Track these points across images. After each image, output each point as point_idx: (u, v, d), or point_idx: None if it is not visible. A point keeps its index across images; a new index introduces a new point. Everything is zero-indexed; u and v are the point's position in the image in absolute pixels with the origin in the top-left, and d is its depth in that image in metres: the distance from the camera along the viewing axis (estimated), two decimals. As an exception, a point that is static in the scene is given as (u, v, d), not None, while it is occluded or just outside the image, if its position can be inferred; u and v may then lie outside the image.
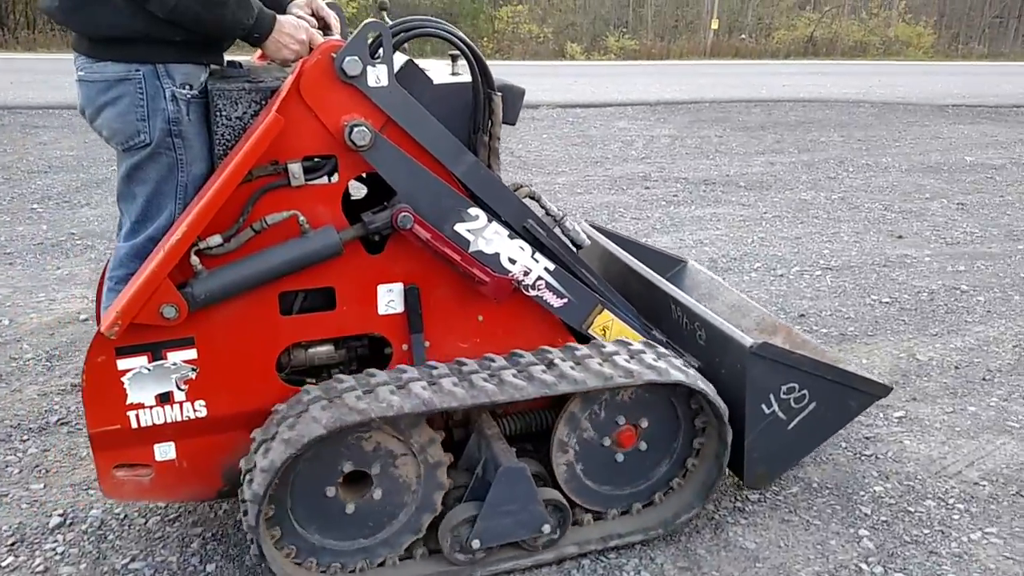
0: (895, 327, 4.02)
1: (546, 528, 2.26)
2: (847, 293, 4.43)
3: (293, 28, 2.12)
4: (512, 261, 2.24)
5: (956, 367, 3.61)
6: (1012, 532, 2.52)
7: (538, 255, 2.27)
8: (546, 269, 2.28)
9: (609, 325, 2.41)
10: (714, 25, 26.40)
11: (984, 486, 2.75)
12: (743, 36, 28.72)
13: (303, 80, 1.97)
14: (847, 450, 2.95)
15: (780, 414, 2.45)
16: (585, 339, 2.40)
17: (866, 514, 2.60)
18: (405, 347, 2.26)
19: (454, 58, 2.30)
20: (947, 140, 8.39)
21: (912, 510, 2.62)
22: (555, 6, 26.32)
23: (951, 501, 2.67)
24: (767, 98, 10.84)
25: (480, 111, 2.19)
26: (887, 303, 4.30)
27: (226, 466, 2.19)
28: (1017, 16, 33.96)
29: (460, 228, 2.18)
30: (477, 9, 26.54)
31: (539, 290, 2.30)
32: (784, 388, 2.41)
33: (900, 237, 5.41)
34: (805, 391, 2.45)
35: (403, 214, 2.06)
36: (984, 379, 3.50)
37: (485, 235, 2.20)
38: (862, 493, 2.71)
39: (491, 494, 2.17)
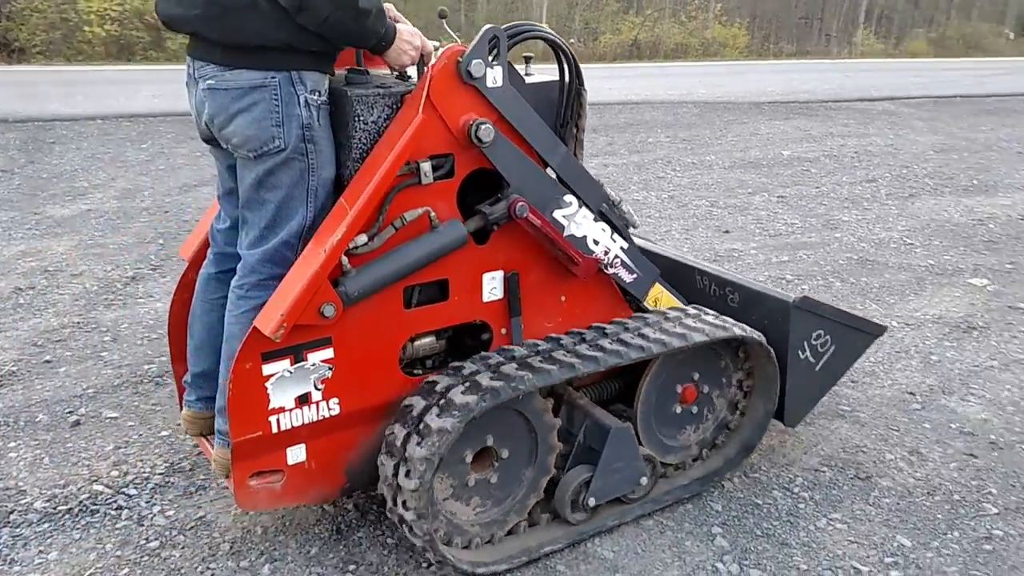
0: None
1: (644, 480, 2.52)
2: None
3: (410, 35, 2.22)
4: (596, 242, 2.49)
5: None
6: (854, 516, 2.60)
7: (615, 235, 2.53)
8: (621, 248, 2.56)
9: (659, 297, 2.72)
10: (544, 30, 26.88)
11: (825, 472, 2.83)
12: (572, 41, 29.47)
13: (433, 83, 2.11)
14: (695, 447, 2.97)
15: (811, 358, 2.81)
16: (641, 311, 2.69)
17: (717, 511, 2.62)
18: (504, 331, 2.44)
19: (527, 59, 2.48)
20: (765, 136, 8.84)
21: (760, 503, 2.66)
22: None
23: (796, 490, 2.72)
24: (598, 101, 11.08)
25: (571, 105, 2.44)
26: (722, 297, 4.41)
27: (350, 463, 2.28)
28: (819, 17, 36.67)
29: (558, 214, 2.38)
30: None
31: (615, 267, 2.56)
32: (814, 335, 2.78)
33: (727, 232, 5.60)
34: (828, 336, 2.81)
35: (520, 204, 2.26)
36: (815, 365, 3.63)
37: (576, 219, 2.43)
38: (711, 489, 2.72)
39: (605, 454, 2.40)
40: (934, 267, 4.94)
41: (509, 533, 2.41)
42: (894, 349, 3.79)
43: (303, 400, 2.12)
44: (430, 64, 2.16)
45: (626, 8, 32.81)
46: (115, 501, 2.61)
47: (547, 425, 2.38)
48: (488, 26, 2.19)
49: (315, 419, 2.16)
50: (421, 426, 2.11)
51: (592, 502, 2.42)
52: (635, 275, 2.62)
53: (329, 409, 2.17)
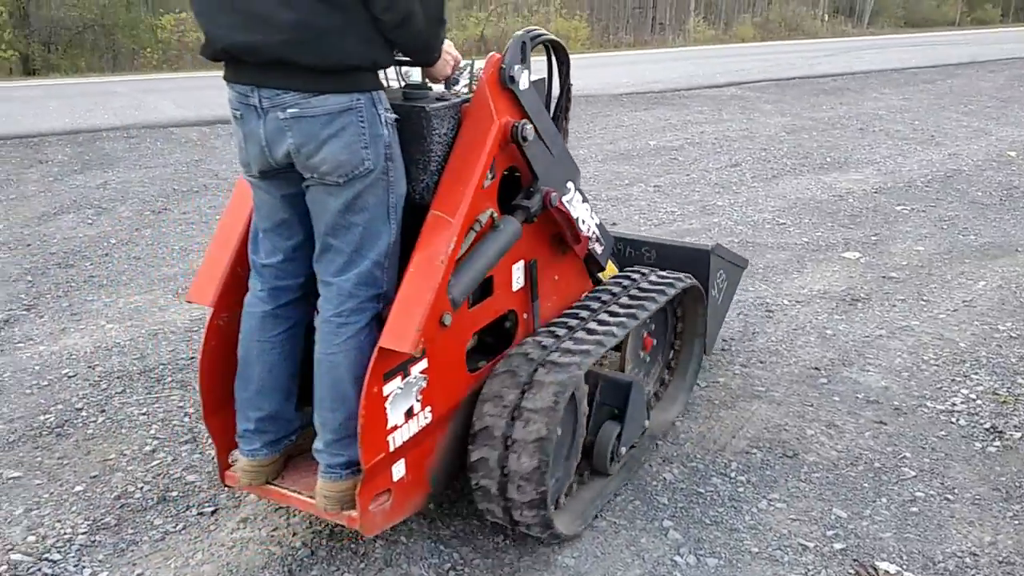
0: (636, 312, 4.23)
1: (647, 422, 2.86)
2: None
3: (449, 46, 2.28)
4: (584, 221, 2.70)
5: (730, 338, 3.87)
6: (791, 494, 2.74)
7: (592, 212, 2.78)
8: (596, 224, 2.82)
9: (607, 265, 3.03)
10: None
11: (755, 453, 2.96)
12: (417, 37, 29.33)
13: (490, 90, 2.27)
14: (629, 442, 3.04)
15: (715, 294, 3.36)
16: (597, 282, 3.01)
17: (664, 504, 2.69)
18: (526, 316, 2.60)
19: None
20: (630, 127, 9.11)
21: (703, 491, 2.76)
22: (223, 13, 24.96)
23: (733, 475, 2.84)
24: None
25: (565, 99, 2.71)
26: (623, 289, 4.53)
27: (432, 469, 2.35)
28: (653, 6, 38.07)
29: (564, 200, 2.57)
30: (135, 19, 24.56)
31: (593, 242, 2.81)
32: (719, 274, 3.35)
33: (614, 224, 5.74)
34: (724, 273, 3.41)
35: (552, 194, 2.46)
36: (723, 350, 3.79)
37: (574, 203, 2.64)
38: (655, 483, 2.80)
39: (630, 406, 2.66)
40: (809, 244, 5.25)
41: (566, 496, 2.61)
42: (791, 327, 4.01)
43: (409, 414, 2.18)
44: (482, 73, 2.31)
45: (468, 3, 33.03)
46: (39, 569, 2.41)
47: (582, 393, 2.56)
48: (519, 33, 2.39)
49: (416, 431, 2.22)
50: (529, 393, 2.28)
51: (623, 451, 2.72)
52: (603, 246, 2.91)
53: (425, 419, 2.24)
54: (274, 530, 2.56)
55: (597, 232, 2.84)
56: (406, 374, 2.13)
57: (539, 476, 2.23)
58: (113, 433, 3.13)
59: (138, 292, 4.51)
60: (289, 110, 1.99)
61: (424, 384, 2.20)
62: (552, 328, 2.56)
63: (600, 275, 3.02)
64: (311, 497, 2.28)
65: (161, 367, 3.64)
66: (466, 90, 2.39)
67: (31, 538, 2.55)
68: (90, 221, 5.71)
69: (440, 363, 2.24)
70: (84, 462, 2.94)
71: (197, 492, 2.77)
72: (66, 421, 3.21)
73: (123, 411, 3.28)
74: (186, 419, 3.22)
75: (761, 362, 3.66)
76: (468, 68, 2.40)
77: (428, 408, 2.24)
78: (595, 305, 2.72)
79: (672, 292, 2.91)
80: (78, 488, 2.79)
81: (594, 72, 13.91)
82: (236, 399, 2.37)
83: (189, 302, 2.45)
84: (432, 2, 2.04)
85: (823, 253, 5.08)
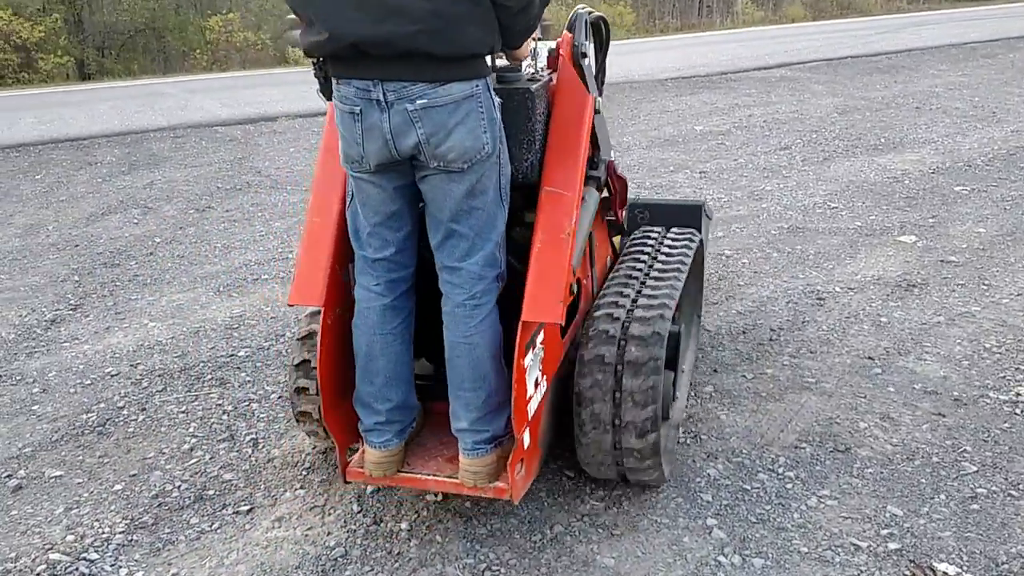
0: (680, 302, 4.12)
1: (684, 366, 3.15)
2: (628, 275, 4.50)
3: None
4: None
5: (743, 331, 3.75)
6: (842, 490, 2.61)
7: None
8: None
9: None
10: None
11: (804, 448, 2.84)
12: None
13: (570, 67, 2.39)
14: (672, 437, 2.94)
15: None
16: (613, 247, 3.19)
17: (708, 501, 2.59)
18: (586, 281, 2.70)
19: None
20: (675, 112, 8.93)
21: (749, 488, 2.65)
22: (269, 11, 25.27)
23: (780, 470, 2.72)
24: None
25: (603, 72, 2.83)
26: (667, 279, 4.41)
27: (542, 434, 2.42)
28: (666, -12, 37.43)
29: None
30: (184, 22, 25.01)
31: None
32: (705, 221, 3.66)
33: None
34: (707, 217, 3.73)
35: (613, 164, 2.62)
36: (771, 340, 3.66)
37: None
38: (698, 480, 2.70)
39: (680, 354, 2.83)
40: (862, 228, 5.06)
41: None
42: (843, 315, 3.86)
43: (536, 384, 2.26)
44: (563, 52, 2.42)
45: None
46: (76, 569, 2.41)
47: None
48: (581, 9, 2.47)
49: (540, 399, 2.31)
50: (629, 348, 2.38)
51: (678, 395, 2.91)
52: (624, 211, 3.00)
53: (544, 387, 2.33)
54: (308, 529, 2.53)
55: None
56: (535, 346, 2.22)
57: (653, 423, 2.37)
58: (153, 431, 3.14)
59: (181, 290, 4.53)
60: (418, 101, 2.02)
61: (543, 354, 2.30)
62: (618, 289, 2.61)
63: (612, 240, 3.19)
64: (450, 476, 2.34)
65: (201, 365, 3.64)
66: (537, 70, 2.50)
67: (70, 537, 2.55)
68: (136, 221, 5.78)
69: (550, 332, 2.34)
70: (124, 461, 2.95)
71: (233, 491, 2.76)
72: (108, 420, 3.23)
73: (163, 409, 3.29)
74: (224, 417, 3.21)
75: (811, 352, 3.52)
76: (544, 48, 2.51)
77: (545, 376, 2.33)
78: (640, 263, 2.81)
79: (695, 245, 3.05)
80: (117, 487, 2.80)
81: (638, 58, 13.72)
82: (360, 394, 2.39)
83: (292, 305, 2.40)
84: None
85: (877, 237, 4.89)
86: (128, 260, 5.02)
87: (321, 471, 2.83)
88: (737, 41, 16.42)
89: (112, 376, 3.57)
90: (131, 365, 3.66)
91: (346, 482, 2.46)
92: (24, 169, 7.26)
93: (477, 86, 2.07)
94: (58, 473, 2.89)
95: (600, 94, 2.67)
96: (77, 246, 5.29)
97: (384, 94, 2.02)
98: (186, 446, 3.03)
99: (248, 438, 3.06)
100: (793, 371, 3.37)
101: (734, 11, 31.85)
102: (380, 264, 2.30)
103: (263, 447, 3.00)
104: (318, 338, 2.36)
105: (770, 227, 5.17)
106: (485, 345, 2.23)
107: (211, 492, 2.76)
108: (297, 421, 2.74)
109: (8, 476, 2.88)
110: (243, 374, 3.55)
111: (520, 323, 2.15)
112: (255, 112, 9.47)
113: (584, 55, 2.39)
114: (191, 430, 3.13)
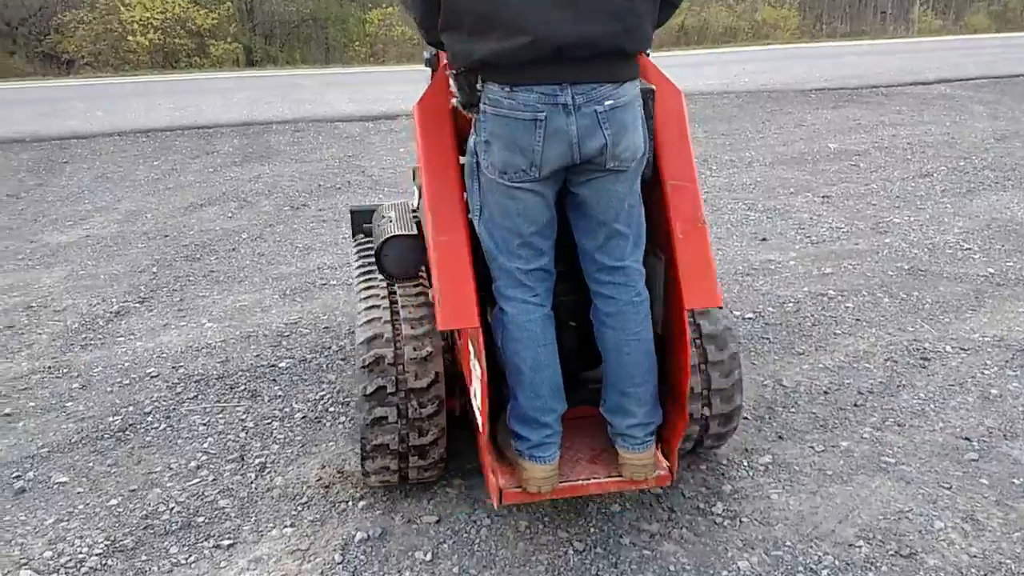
0: (759, 347, 3.68)
1: None
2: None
3: None
4: None
5: (825, 392, 3.29)
6: (891, 612, 2.17)
7: None
8: None
9: None
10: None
11: (860, 547, 2.39)
12: (615, 28, 28.81)
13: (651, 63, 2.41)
14: (707, 512, 2.56)
15: None
16: None
17: (729, 602, 2.21)
18: None
19: None
20: (811, 127, 8.27)
21: (780, 592, 2.24)
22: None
23: (823, 573, 2.30)
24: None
25: None
26: (750, 319, 3.98)
27: None
28: (874, -7, 35.33)
29: None
30: (346, 13, 25.81)
31: None
32: None
33: (764, 240, 5.13)
34: None
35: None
36: (856, 404, 3.18)
37: None
38: (724, 573, 2.31)
39: None
40: (995, 277, 4.41)
41: None
42: (948, 381, 3.32)
43: None
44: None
45: (672, -7, 32.06)
46: (41, 591, 2.31)
47: None
48: None
49: None
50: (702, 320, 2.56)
51: None
52: None
53: None
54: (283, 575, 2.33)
55: None
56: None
57: (740, 387, 2.60)
58: (168, 443, 3.04)
59: (249, 291, 4.48)
60: (606, 102, 2.02)
61: None
62: None
63: None
64: (610, 476, 2.32)
65: (240, 373, 3.53)
66: None
67: (48, 553, 2.46)
68: (230, 214, 5.83)
69: None
70: (129, 473, 2.86)
71: (223, 520, 2.60)
72: (130, 425, 3.16)
73: (186, 419, 3.19)
74: (242, 434, 3.08)
75: (899, 425, 3.02)
76: None
77: None
78: None
79: None
80: (112, 502, 2.70)
81: (787, 65, 12.94)
82: (524, 409, 2.26)
83: (446, 329, 2.27)
84: None
85: (1010, 289, 4.24)
86: (209, 255, 5.03)
87: (316, 508, 2.63)
88: (903, 52, 15.27)
89: (152, 377, 3.52)
90: (173, 367, 3.61)
91: (500, 505, 2.30)
92: (147, 154, 7.53)
93: (636, 85, 2.11)
94: (64, 479, 2.83)
95: None
96: (167, 236, 5.37)
97: (572, 97, 2.00)
98: (194, 463, 2.90)
99: (257, 461, 2.91)
100: (872, 447, 2.89)
101: (910, 19, 29.81)
102: (535, 274, 2.25)
103: (268, 473, 2.84)
104: (474, 360, 2.24)
105: (888, 267, 4.60)
106: (649, 338, 2.28)
107: (200, 519, 2.61)
108: (366, 458, 2.48)
109: (16, 477, 2.85)
110: (276, 387, 3.41)
111: (683, 311, 2.22)
112: (379, 109, 9.50)
113: (648, 53, 2.37)
114: (205, 445, 3.01)
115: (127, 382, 3.49)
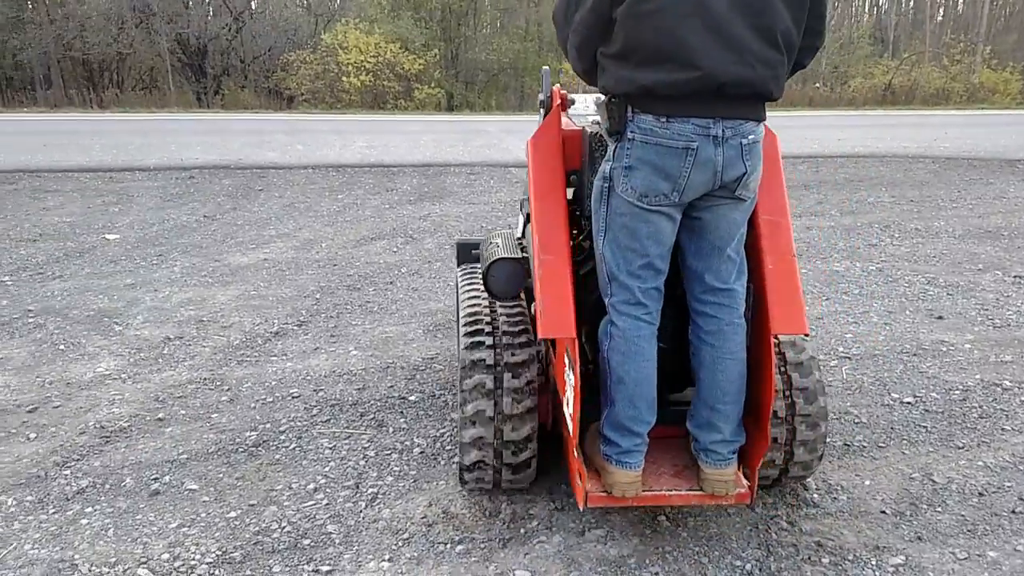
0: (913, 436, 3.38)
1: None
2: (863, 390, 3.80)
3: None
4: None
5: (981, 493, 2.96)
6: None
7: None
8: None
9: None
10: (786, 75, 25.66)
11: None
12: (817, 85, 27.89)
13: None
14: (820, 611, 2.36)
15: None
16: None
17: None
18: None
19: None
20: (1013, 200, 7.59)
21: None
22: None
23: None
24: (818, 153, 10.17)
25: None
26: (909, 404, 3.66)
27: None
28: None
29: None
30: (543, 63, 26.57)
31: None
32: None
33: (940, 318, 4.73)
34: None
35: None
36: (1014, 511, 2.84)
37: None
38: None
39: None
40: None
41: None
42: None
43: None
44: None
45: (880, 52, 30.69)
46: (153, 589, 2.47)
47: None
48: None
49: None
50: (792, 359, 2.71)
51: None
52: None
53: None
54: (367, 611, 2.36)
55: None
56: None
57: (825, 415, 2.71)
58: (294, 463, 3.17)
59: (397, 323, 4.64)
60: (749, 137, 2.28)
61: None
62: None
63: None
64: (691, 490, 2.50)
65: (372, 402, 3.65)
66: None
67: (166, 555, 2.62)
68: (395, 249, 6.09)
69: None
70: (253, 488, 3.00)
71: (326, 545, 2.67)
72: (264, 441, 3.33)
73: (315, 441, 3.32)
74: (362, 462, 3.17)
75: None
76: None
77: None
78: None
79: None
80: (232, 514, 2.84)
81: (998, 132, 12.00)
82: (619, 419, 2.46)
83: (546, 336, 2.50)
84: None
85: None
86: (369, 286, 5.27)
87: (416, 546, 2.66)
88: None
89: (293, 398, 3.71)
90: (314, 390, 3.78)
91: (584, 507, 2.52)
92: (334, 187, 8.03)
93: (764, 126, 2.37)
94: (194, 486, 3.02)
95: None
96: (335, 265, 5.68)
97: (723, 131, 2.23)
98: (312, 485, 3.02)
99: (370, 491, 2.98)
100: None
101: None
102: (650, 293, 2.44)
103: (378, 504, 2.89)
104: (568, 370, 2.46)
105: (1077, 362, 4.11)
106: (743, 360, 2.45)
107: (307, 542, 2.70)
108: (467, 471, 2.76)
109: (155, 479, 3.06)
110: (402, 420, 3.49)
111: (771, 337, 2.41)
112: (555, 155, 9.65)
113: None
114: (327, 469, 3.12)
115: (271, 400, 3.69)
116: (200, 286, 5.23)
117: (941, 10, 34.44)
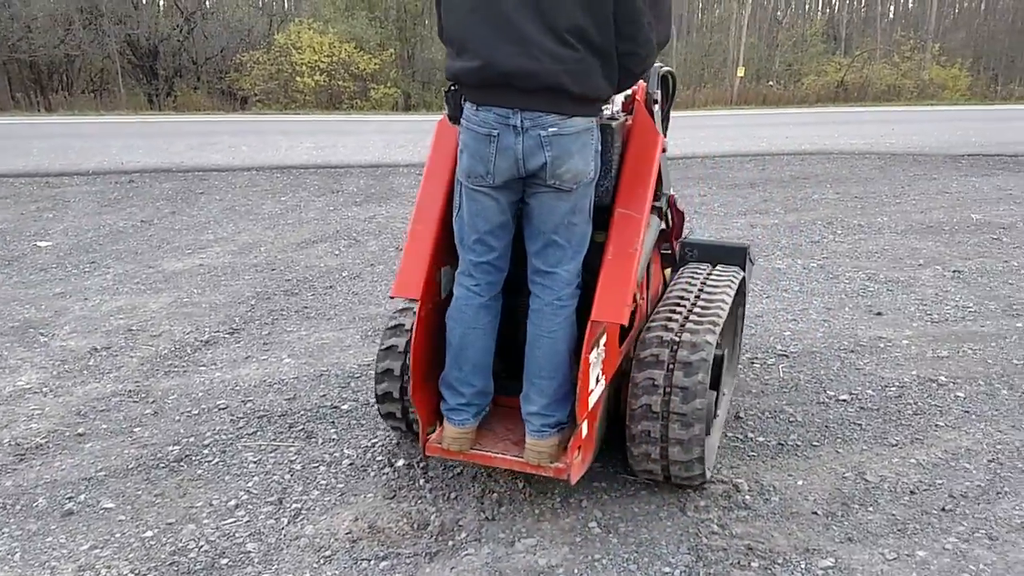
0: (847, 434, 3.37)
1: (725, 391, 3.44)
2: (800, 388, 3.79)
3: None
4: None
5: (912, 491, 2.95)
6: None
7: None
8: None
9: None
10: (740, 73, 25.90)
11: None
12: (771, 83, 28.16)
13: (644, 111, 2.81)
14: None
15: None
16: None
17: None
18: (642, 301, 3.02)
19: None
20: (955, 195, 7.69)
21: None
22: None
23: None
24: (765, 151, 10.23)
25: (668, 120, 3.19)
26: (844, 401, 3.65)
27: (597, 430, 2.75)
28: (1059, 54, 32.93)
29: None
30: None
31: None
32: (748, 268, 3.74)
33: (879, 314, 4.75)
34: (751, 262, 3.80)
35: (674, 197, 3.12)
36: (944, 509, 2.84)
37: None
38: None
39: (722, 376, 2.99)
40: None
41: None
42: (1061, 494, 2.90)
43: (597, 380, 2.57)
44: (639, 96, 2.82)
45: (833, 50, 31.06)
46: (57, 617, 2.35)
47: None
48: (656, 65, 2.86)
49: (598, 396, 2.60)
50: (678, 372, 2.68)
51: (719, 413, 3.20)
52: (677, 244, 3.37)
53: (603, 385, 2.63)
54: (280, 633, 2.27)
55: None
56: (599, 346, 2.53)
57: (700, 439, 2.68)
58: (217, 478, 3.07)
59: (334, 329, 4.54)
60: (551, 128, 2.39)
61: (604, 355, 2.59)
62: (667, 314, 2.89)
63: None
64: (515, 456, 2.68)
65: (302, 412, 3.56)
66: (613, 112, 2.81)
67: (73, 580, 2.51)
68: (337, 252, 5.98)
69: (612, 338, 2.63)
70: (172, 505, 2.89)
71: (245, 565, 2.58)
72: (187, 456, 3.22)
73: (240, 455, 3.22)
74: (287, 476, 3.07)
75: (991, 538, 2.66)
76: (620, 95, 2.80)
77: (603, 376, 2.62)
78: (689, 291, 3.08)
79: (736, 281, 3.28)
80: (148, 534, 2.73)
81: (943, 128, 12.18)
82: (448, 378, 2.76)
83: (394, 297, 2.78)
84: (665, 32, 2.50)
85: None
86: (307, 290, 5.16)
87: (338, 564, 2.57)
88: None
89: (220, 409, 3.60)
90: (243, 400, 3.67)
91: (425, 456, 2.88)
92: (277, 190, 7.88)
93: (592, 122, 2.47)
94: (110, 505, 2.90)
95: (664, 136, 3.04)
96: (274, 270, 5.55)
97: (522, 121, 2.39)
98: (233, 502, 2.91)
99: (294, 506, 2.89)
100: (954, 560, 2.56)
101: (1100, 81, 27.67)
102: (482, 267, 2.65)
103: (301, 520, 2.80)
104: (412, 326, 2.75)
105: (1014, 354, 4.14)
106: (564, 340, 2.60)
107: (224, 561, 2.60)
108: (379, 402, 3.07)
109: (69, 498, 2.94)
110: (333, 430, 3.40)
111: (589, 322, 2.47)
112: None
113: (655, 101, 2.77)
114: (250, 484, 3.02)
115: (196, 412, 3.57)
116: (132, 294, 5.08)
117: (892, 8, 35.02)
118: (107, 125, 13.08)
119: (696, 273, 3.34)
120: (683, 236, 3.28)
